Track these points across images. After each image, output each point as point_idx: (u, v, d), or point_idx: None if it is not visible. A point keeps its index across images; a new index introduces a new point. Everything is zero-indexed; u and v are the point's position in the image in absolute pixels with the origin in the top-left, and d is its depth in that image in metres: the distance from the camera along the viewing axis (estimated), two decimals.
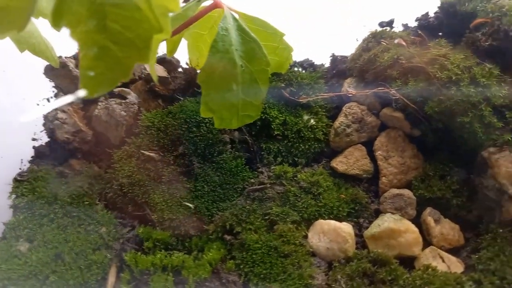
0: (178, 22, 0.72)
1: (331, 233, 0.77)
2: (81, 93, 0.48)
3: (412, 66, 0.82)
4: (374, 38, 0.92)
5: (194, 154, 0.85)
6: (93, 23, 0.53)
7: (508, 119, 0.77)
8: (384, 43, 0.89)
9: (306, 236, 0.79)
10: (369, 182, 0.88)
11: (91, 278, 0.71)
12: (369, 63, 0.89)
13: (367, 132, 0.90)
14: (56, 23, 0.49)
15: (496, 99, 0.76)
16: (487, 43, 0.78)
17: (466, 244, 0.80)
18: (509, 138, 0.77)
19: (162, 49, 0.93)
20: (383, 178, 0.86)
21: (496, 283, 0.70)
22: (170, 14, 0.62)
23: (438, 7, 0.88)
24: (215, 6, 0.71)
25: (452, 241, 0.79)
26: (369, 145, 0.90)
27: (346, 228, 0.77)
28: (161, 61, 0.95)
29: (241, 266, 0.73)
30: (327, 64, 0.98)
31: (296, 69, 0.98)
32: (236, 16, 0.74)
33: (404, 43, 0.83)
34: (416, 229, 0.77)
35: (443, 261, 0.75)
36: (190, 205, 0.81)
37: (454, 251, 0.80)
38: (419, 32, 0.88)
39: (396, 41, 0.84)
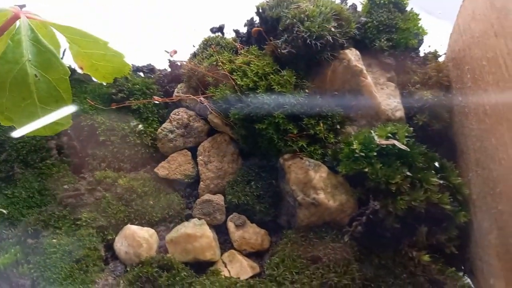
0: None
1: (129, 238, 0.79)
2: None
3: (223, 73, 0.83)
4: (205, 44, 0.93)
5: (16, 160, 0.87)
6: None
7: (305, 125, 0.79)
8: (209, 50, 0.90)
9: (112, 240, 0.81)
10: (191, 187, 0.90)
11: None
12: (194, 69, 0.90)
13: (194, 137, 0.91)
14: None
15: (291, 106, 0.77)
16: (286, 50, 0.79)
17: (270, 248, 0.82)
18: (303, 144, 0.78)
19: None
20: (202, 183, 0.87)
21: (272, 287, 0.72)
22: None
23: (255, 12, 0.88)
24: (15, 17, 0.72)
25: (254, 245, 0.81)
26: (196, 149, 0.91)
27: (142, 233, 0.79)
28: None
29: (32, 271, 0.75)
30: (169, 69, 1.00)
31: (139, 73, 0.99)
32: (39, 27, 0.75)
33: (172, 54, 0.84)
34: (210, 235, 0.79)
35: (233, 266, 0.77)
36: (4, 211, 0.83)
37: (258, 254, 0.82)
38: (241, 37, 0.89)
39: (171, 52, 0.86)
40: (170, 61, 0.98)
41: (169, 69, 0.99)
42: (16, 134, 0.76)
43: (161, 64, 1.01)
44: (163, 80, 0.97)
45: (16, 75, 0.75)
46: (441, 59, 0.92)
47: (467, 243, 0.81)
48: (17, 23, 0.73)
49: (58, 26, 0.81)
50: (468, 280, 0.80)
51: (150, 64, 1.00)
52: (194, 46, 0.96)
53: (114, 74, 0.91)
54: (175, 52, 0.87)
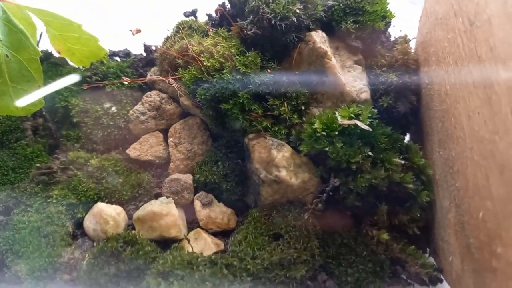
0: None
1: (97, 216, 0.80)
2: None
3: (191, 55, 0.84)
4: (177, 28, 0.95)
5: None
6: None
7: (270, 106, 0.80)
8: (181, 33, 0.92)
9: (82, 218, 0.83)
10: (162, 168, 0.91)
11: None
12: (166, 52, 0.92)
13: (166, 119, 0.93)
14: None
15: (256, 87, 0.79)
16: (251, 31, 0.80)
17: (236, 227, 0.84)
18: (268, 124, 0.79)
19: None
20: (172, 164, 0.89)
21: (233, 263, 0.73)
22: None
23: None
24: None
25: (220, 224, 0.82)
26: (168, 132, 0.93)
27: (109, 210, 0.80)
28: None
29: (1, 245, 0.77)
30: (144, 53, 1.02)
31: (115, 58, 1.01)
32: (12, 8, 0.77)
33: (135, 32, 0.86)
34: (175, 213, 0.80)
35: (197, 243, 0.79)
36: None
37: (224, 234, 0.83)
38: (212, 20, 0.91)
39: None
40: (145, 45, 1.00)
41: (144, 54, 1.01)
42: None
43: (138, 50, 1.02)
44: (138, 64, 0.99)
45: None
46: (412, 44, 0.93)
47: (431, 225, 0.82)
48: None
49: (33, 9, 0.84)
50: (432, 260, 0.81)
51: (126, 49, 1.02)
52: (168, 30, 0.97)
53: (90, 58, 0.93)
54: (138, 31, 0.89)
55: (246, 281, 0.70)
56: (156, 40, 1.01)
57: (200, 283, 0.69)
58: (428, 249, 0.83)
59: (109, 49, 1.01)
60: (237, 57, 0.80)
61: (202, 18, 0.98)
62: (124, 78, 0.90)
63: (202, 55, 0.82)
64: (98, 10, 1.15)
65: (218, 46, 0.82)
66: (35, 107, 0.83)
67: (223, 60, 0.80)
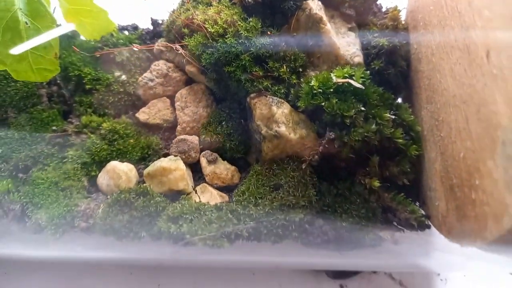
0: None
1: (110, 172, 0.86)
2: None
3: (196, 24, 0.91)
4: (182, 1, 1.01)
5: (10, 105, 0.95)
6: None
7: (270, 67, 0.86)
8: (186, 5, 0.98)
9: (96, 176, 0.89)
10: (169, 131, 0.98)
11: None
12: (172, 24, 0.98)
13: (172, 86, 0.99)
14: None
15: (257, 50, 0.85)
16: (252, 0, 0.87)
17: (240, 182, 0.90)
18: (268, 84, 0.86)
19: None
20: (179, 126, 0.95)
21: (237, 209, 0.79)
22: None
23: None
24: None
25: (225, 179, 0.89)
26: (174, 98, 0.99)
27: (122, 166, 0.87)
28: None
29: (22, 197, 0.83)
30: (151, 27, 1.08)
31: (124, 32, 1.07)
32: None
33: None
34: (183, 168, 0.86)
35: (204, 195, 0.85)
36: None
37: (228, 189, 0.89)
38: None
39: None
40: (152, 19, 1.06)
41: (151, 28, 1.07)
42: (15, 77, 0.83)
43: (145, 24, 1.09)
44: (146, 36, 1.05)
45: (8, 22, 0.83)
46: (403, 15, 0.99)
47: (419, 177, 0.88)
48: None
49: None
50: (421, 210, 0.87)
51: (134, 24, 1.08)
52: (173, 4, 1.03)
53: (100, 31, 0.99)
54: None
55: (249, 224, 0.76)
56: (161, 15, 1.08)
57: (207, 224, 0.75)
58: (417, 202, 0.89)
59: (118, 24, 1.07)
60: (239, 23, 0.86)
61: None
62: (134, 45, 0.96)
63: (207, 23, 0.88)
64: None
65: (221, 14, 0.88)
66: (52, 73, 0.89)
67: (226, 26, 0.86)
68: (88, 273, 0.98)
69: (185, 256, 0.81)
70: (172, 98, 0.99)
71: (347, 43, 0.91)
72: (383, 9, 1.00)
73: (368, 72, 0.86)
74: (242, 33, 0.85)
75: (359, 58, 0.89)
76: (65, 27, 0.96)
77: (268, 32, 0.86)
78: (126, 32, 1.07)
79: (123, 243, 0.78)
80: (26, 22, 0.84)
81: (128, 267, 0.98)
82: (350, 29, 0.93)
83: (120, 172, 0.85)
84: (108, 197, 0.84)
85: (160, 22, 1.06)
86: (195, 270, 1.00)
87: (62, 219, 0.79)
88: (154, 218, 0.79)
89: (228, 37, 0.86)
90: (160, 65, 0.98)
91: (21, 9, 0.83)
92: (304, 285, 0.99)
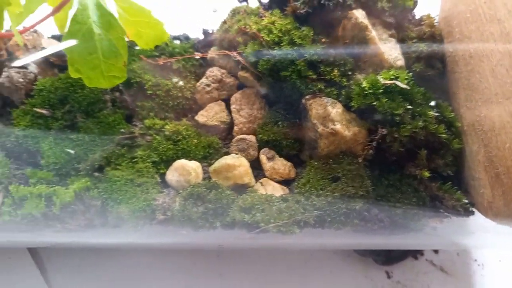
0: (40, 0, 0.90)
1: (180, 169, 0.94)
2: None
3: (250, 33, 0.99)
4: (232, 12, 1.10)
5: (79, 110, 1.03)
6: None
7: (322, 71, 0.95)
8: (237, 16, 1.07)
9: (165, 174, 0.97)
10: (226, 132, 1.06)
11: None
12: (225, 33, 1.07)
13: (226, 90, 1.07)
14: None
15: (309, 55, 0.94)
16: (304, 10, 0.96)
17: (296, 177, 0.98)
18: (321, 87, 0.95)
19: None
20: (235, 127, 1.04)
21: (300, 200, 0.88)
22: None
23: None
24: None
25: (283, 174, 0.97)
26: (229, 101, 1.07)
27: (192, 164, 0.95)
28: (58, 37, 1.14)
29: (102, 194, 0.91)
30: (202, 37, 1.17)
31: (175, 42, 1.16)
32: None
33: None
34: (247, 164, 0.94)
35: (268, 188, 0.93)
36: (71, 151, 0.99)
37: (285, 182, 0.97)
38: (263, 4, 1.06)
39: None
40: (203, 29, 1.15)
41: (202, 37, 1.16)
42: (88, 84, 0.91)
43: (194, 34, 1.17)
44: (197, 45, 1.14)
45: (85, 33, 0.92)
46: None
47: (461, 169, 0.97)
48: None
49: None
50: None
51: (185, 33, 1.17)
52: (215, 11, 1.12)
53: (155, 41, 1.08)
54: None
55: (314, 212, 0.85)
56: (207, 25, 1.17)
57: (278, 213, 0.84)
58: (459, 191, 0.98)
59: (170, 33, 1.16)
60: (293, 32, 0.95)
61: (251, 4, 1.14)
62: (196, 53, 1.05)
63: (262, 32, 0.97)
64: None
65: (275, 24, 0.97)
66: (119, 80, 0.97)
67: (281, 35, 0.95)
68: (155, 263, 1.06)
69: (251, 242, 0.89)
70: (226, 101, 1.07)
71: (389, 48, 1.00)
72: (416, 17, 1.10)
73: (411, 74, 0.95)
74: (296, 41, 0.94)
75: (401, 62, 0.99)
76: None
77: (323, 40, 0.95)
78: (178, 42, 1.16)
79: (199, 233, 0.86)
80: (99, 33, 0.92)
81: (192, 257, 1.06)
82: (390, 35, 1.02)
83: (189, 169, 0.93)
84: (180, 191, 0.92)
85: (210, 32, 1.15)
86: (251, 261, 1.08)
87: (143, 212, 0.87)
88: (226, 209, 0.87)
89: (284, 44, 0.94)
90: (215, 71, 1.07)
91: (95, 21, 0.92)
92: (353, 272, 1.07)
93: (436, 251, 1.13)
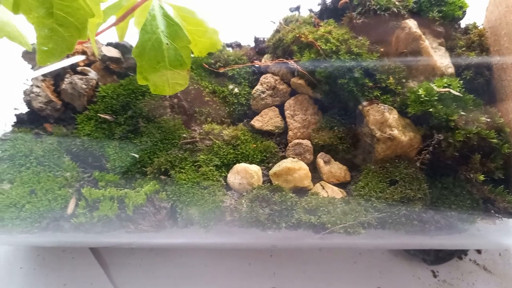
0: (114, 11, 0.95)
1: (242, 172, 0.99)
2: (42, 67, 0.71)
3: (307, 42, 1.04)
4: (285, 21, 1.14)
5: (140, 116, 1.08)
6: (43, 11, 0.77)
7: (377, 79, 0.99)
8: (290, 25, 1.11)
9: (226, 176, 1.02)
10: (280, 136, 1.10)
11: (56, 206, 0.94)
12: (279, 42, 1.11)
13: (279, 96, 1.12)
14: (15, 11, 0.74)
15: (367, 64, 0.98)
16: (360, 20, 1.00)
17: (351, 180, 1.02)
18: (378, 94, 0.99)
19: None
20: (290, 132, 1.08)
21: (361, 202, 0.92)
22: (102, 4, 0.87)
23: None
24: None
25: (339, 177, 1.01)
26: (282, 107, 1.12)
27: (253, 167, 0.99)
28: (117, 45, 1.18)
29: (171, 196, 0.95)
30: (252, 44, 1.21)
31: (227, 49, 1.21)
32: (166, 6, 0.96)
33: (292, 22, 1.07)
34: (306, 167, 0.99)
35: (328, 190, 0.97)
36: (136, 155, 1.03)
37: (341, 185, 1.02)
38: (315, 14, 1.11)
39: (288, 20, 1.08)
40: (254, 37, 1.19)
41: (253, 45, 1.21)
42: (153, 91, 0.96)
43: (245, 41, 1.22)
44: (250, 53, 1.18)
45: (154, 43, 0.96)
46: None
47: (511, 172, 1.01)
48: (153, 1, 0.94)
49: (175, 6, 1.03)
50: None
51: (236, 41, 1.21)
52: (273, 23, 1.17)
53: (208, 49, 1.12)
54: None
55: (375, 214, 0.89)
56: (255, 33, 1.21)
57: (343, 215, 0.88)
58: (510, 193, 1.02)
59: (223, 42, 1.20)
60: (350, 41, 1.00)
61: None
62: (255, 61, 1.09)
63: (319, 41, 1.02)
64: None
65: (332, 33, 1.01)
66: (182, 87, 1.01)
67: (338, 44, 1.00)
68: (211, 262, 1.11)
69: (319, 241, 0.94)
70: (279, 107, 1.12)
71: (439, 56, 1.04)
72: (462, 25, 1.14)
73: (461, 81, 0.99)
74: (354, 50, 0.98)
75: (451, 70, 1.03)
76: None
77: (382, 49, 0.99)
78: (230, 49, 1.20)
79: (266, 233, 0.90)
80: (167, 43, 0.97)
81: (247, 258, 1.11)
82: (440, 44, 1.07)
83: (252, 172, 0.98)
84: (244, 194, 0.96)
85: (261, 39, 1.19)
86: (302, 260, 1.13)
87: (212, 213, 0.91)
88: (290, 211, 0.92)
89: (342, 53, 0.99)
90: (269, 78, 1.11)
91: (163, 31, 0.96)
92: (401, 271, 1.11)
93: (479, 251, 1.17)
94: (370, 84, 0.99)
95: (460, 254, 1.15)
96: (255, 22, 1.26)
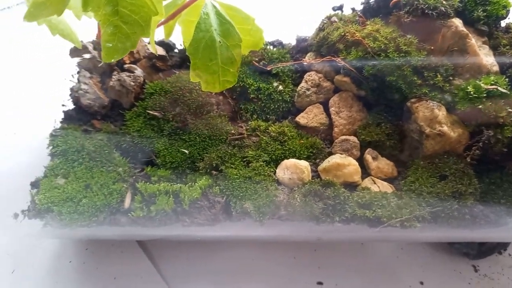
0: (171, 9, 0.96)
1: (292, 168, 1.00)
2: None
3: (353, 40, 1.06)
4: (328, 20, 1.16)
5: (188, 113, 1.09)
6: (109, 8, 0.79)
7: (425, 76, 1.01)
8: (335, 24, 1.13)
9: (274, 172, 1.03)
10: (325, 133, 1.12)
11: (112, 201, 0.95)
12: (324, 40, 1.13)
13: (323, 94, 1.14)
14: (84, 9, 0.76)
15: (415, 61, 1.00)
16: (408, 19, 1.02)
17: (398, 176, 1.04)
18: (426, 91, 1.01)
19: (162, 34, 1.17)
20: (335, 128, 1.10)
21: (412, 197, 0.94)
22: (164, 2, 0.89)
23: None
24: None
25: (386, 173, 1.03)
26: (325, 104, 1.13)
27: (303, 163, 1.01)
28: (161, 43, 1.20)
29: (224, 191, 0.97)
30: (293, 43, 1.23)
31: (268, 47, 1.22)
32: (216, 4, 0.98)
33: (336, 20, 1.08)
34: (356, 163, 1.01)
35: (378, 185, 0.99)
36: (186, 151, 1.05)
37: (388, 180, 1.03)
38: (359, 13, 1.13)
39: (332, 19, 1.09)
40: (297, 35, 1.21)
41: (294, 43, 1.22)
42: (204, 88, 0.98)
43: (286, 40, 1.24)
44: (292, 51, 1.20)
45: (207, 41, 0.98)
46: None
47: None
48: (206, 0, 0.96)
49: (222, 4, 1.04)
50: None
51: (278, 39, 1.23)
52: (316, 22, 1.19)
53: (251, 47, 1.14)
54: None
55: (427, 208, 0.91)
56: (294, 32, 1.23)
57: (398, 209, 0.90)
58: None
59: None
60: (398, 39, 1.01)
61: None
62: (304, 59, 1.11)
63: (367, 39, 1.03)
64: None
65: (380, 31, 1.03)
66: (230, 84, 1.03)
67: (387, 42, 1.01)
68: (257, 256, 1.13)
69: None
70: (323, 104, 1.14)
71: (484, 55, 1.06)
72: (502, 25, 1.16)
73: (507, 79, 1.01)
74: (402, 48, 1.00)
75: (496, 67, 1.05)
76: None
77: (432, 48, 1.01)
78: (272, 47, 1.22)
79: (319, 226, 0.92)
80: (219, 41, 0.98)
81: (292, 251, 1.12)
82: (484, 43, 1.08)
83: (302, 167, 0.99)
84: (295, 188, 0.98)
85: (303, 38, 1.21)
86: (346, 255, 1.14)
87: (267, 207, 0.93)
88: (343, 205, 0.93)
89: (390, 51, 1.01)
90: (313, 76, 1.13)
91: (215, 29, 0.98)
92: (443, 266, 1.13)
93: None
94: (419, 81, 1.00)
95: (500, 248, 1.17)
96: (294, 21, 1.28)
